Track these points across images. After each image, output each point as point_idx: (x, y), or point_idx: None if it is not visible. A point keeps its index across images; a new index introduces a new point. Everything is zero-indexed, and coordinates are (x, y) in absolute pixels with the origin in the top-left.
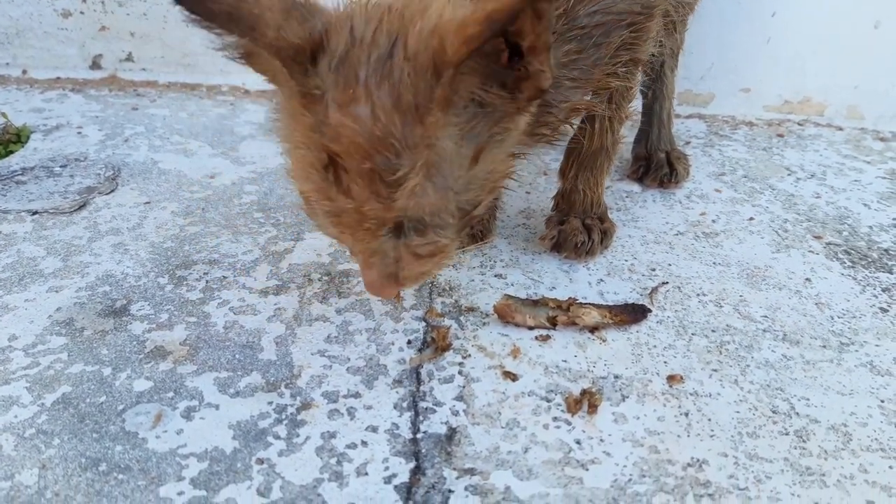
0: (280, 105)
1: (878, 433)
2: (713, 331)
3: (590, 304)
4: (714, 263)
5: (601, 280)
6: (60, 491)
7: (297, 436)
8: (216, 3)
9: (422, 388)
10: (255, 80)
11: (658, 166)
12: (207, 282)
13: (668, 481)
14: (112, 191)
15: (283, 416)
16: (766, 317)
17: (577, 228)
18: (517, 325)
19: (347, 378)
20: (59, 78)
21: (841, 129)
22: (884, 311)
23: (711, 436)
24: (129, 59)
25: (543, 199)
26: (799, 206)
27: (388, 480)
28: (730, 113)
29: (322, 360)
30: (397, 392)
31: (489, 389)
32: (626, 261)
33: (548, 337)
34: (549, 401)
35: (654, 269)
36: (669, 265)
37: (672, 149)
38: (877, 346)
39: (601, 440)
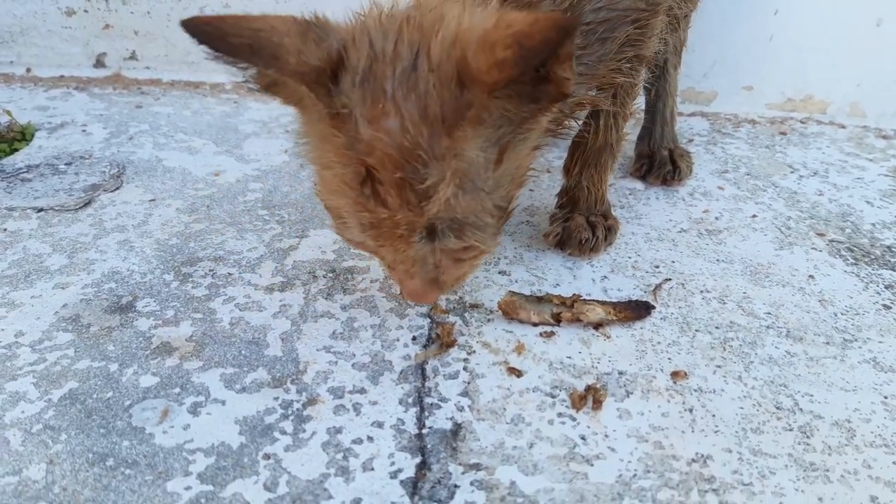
0: (306, 129)
1: (882, 429)
2: (717, 327)
3: (594, 300)
4: (717, 260)
5: (605, 277)
6: (68, 486)
7: (304, 431)
8: (236, 37)
9: (427, 383)
10: None
11: (661, 164)
12: (213, 279)
13: (673, 477)
14: (117, 188)
15: (290, 412)
16: (769, 313)
17: (581, 225)
18: (521, 321)
19: (353, 374)
20: (63, 76)
21: (843, 126)
22: (887, 307)
23: (716, 431)
24: (132, 57)
25: (547, 196)
26: (802, 204)
27: (394, 475)
28: (732, 111)
29: (327, 356)
30: (402, 388)
31: (494, 385)
32: (629, 258)
33: (552, 333)
34: (553, 397)
35: (657, 266)
36: (673, 262)
37: (675, 146)
38: (880, 342)
39: (606, 436)
